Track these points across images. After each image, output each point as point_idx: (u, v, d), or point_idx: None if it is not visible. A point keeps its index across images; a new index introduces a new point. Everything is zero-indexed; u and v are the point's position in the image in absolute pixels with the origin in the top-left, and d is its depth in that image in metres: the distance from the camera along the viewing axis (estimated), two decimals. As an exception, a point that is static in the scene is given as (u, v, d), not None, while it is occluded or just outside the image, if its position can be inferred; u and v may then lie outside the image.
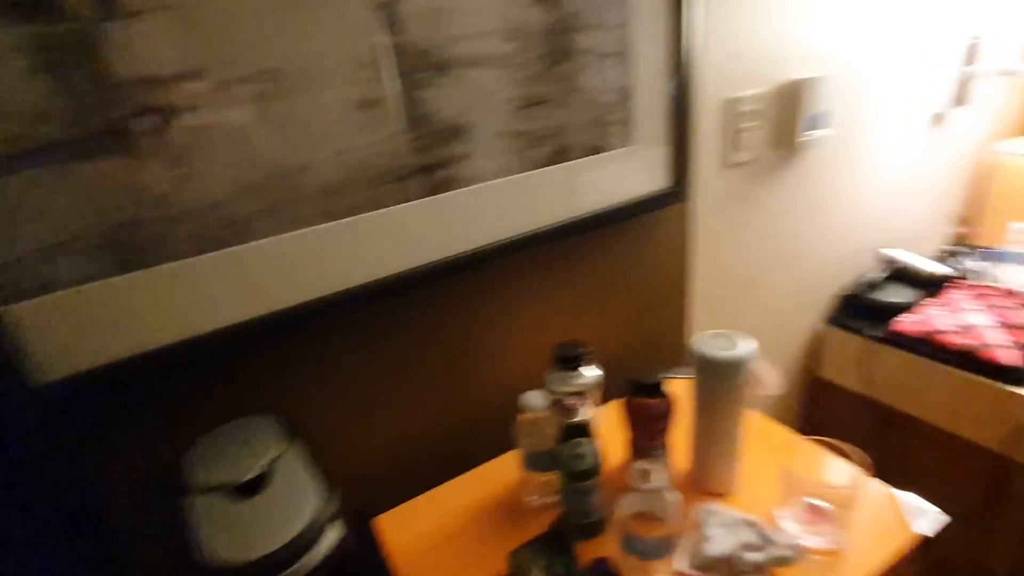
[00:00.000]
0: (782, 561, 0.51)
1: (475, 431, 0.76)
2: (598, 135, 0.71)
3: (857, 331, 1.14)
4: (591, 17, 0.65)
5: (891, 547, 0.55)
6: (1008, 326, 1.00)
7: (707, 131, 0.86)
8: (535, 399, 0.61)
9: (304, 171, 0.54)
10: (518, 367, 0.78)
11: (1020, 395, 0.93)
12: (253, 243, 0.53)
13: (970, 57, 1.16)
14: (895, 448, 1.17)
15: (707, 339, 0.59)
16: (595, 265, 0.82)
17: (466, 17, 0.57)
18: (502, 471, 0.72)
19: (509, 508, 0.67)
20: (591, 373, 0.63)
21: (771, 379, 0.58)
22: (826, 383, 1.25)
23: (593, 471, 0.55)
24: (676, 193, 0.81)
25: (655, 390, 0.56)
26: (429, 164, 0.60)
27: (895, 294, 1.17)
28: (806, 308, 1.20)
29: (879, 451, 1.18)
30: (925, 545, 0.57)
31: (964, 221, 1.44)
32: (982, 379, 0.97)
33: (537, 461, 0.62)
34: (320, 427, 0.64)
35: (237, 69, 0.48)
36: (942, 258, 1.29)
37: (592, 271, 0.82)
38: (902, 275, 1.21)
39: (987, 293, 1.10)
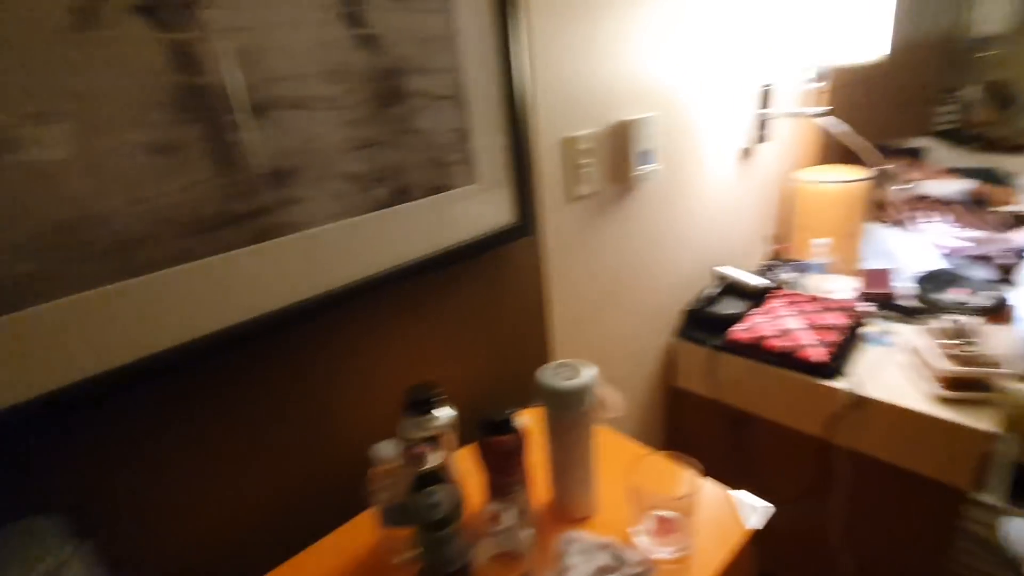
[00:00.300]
0: (635, 579, 0.53)
1: (329, 492, 0.71)
2: (439, 174, 0.72)
3: (701, 342, 1.26)
4: (420, 61, 0.66)
5: (731, 544, 0.60)
6: (815, 327, 1.17)
7: (549, 168, 0.91)
8: (387, 449, 0.58)
9: (94, 224, 0.47)
10: (373, 417, 0.74)
11: (829, 387, 1.08)
12: (24, 311, 0.45)
13: (765, 101, 1.36)
14: (743, 444, 1.29)
15: (551, 370, 0.61)
16: (450, 303, 0.81)
17: (282, 58, 0.55)
18: (361, 531, 0.68)
19: (372, 570, 0.62)
20: (445, 416, 0.62)
21: (614, 402, 0.61)
22: (682, 391, 1.35)
23: (449, 519, 0.53)
24: (522, 227, 0.84)
25: (504, 426, 0.56)
26: (252, 210, 0.56)
27: (728, 306, 1.31)
28: (658, 325, 1.30)
29: (730, 449, 1.31)
30: (760, 534, 0.63)
31: (777, 239, 1.67)
32: (801, 376, 1.12)
33: (394, 516, 0.59)
34: (135, 516, 0.55)
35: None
36: (763, 272, 1.48)
37: (447, 310, 0.81)
38: (733, 289, 1.37)
39: (797, 300, 1.28)
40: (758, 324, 1.21)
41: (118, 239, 0.48)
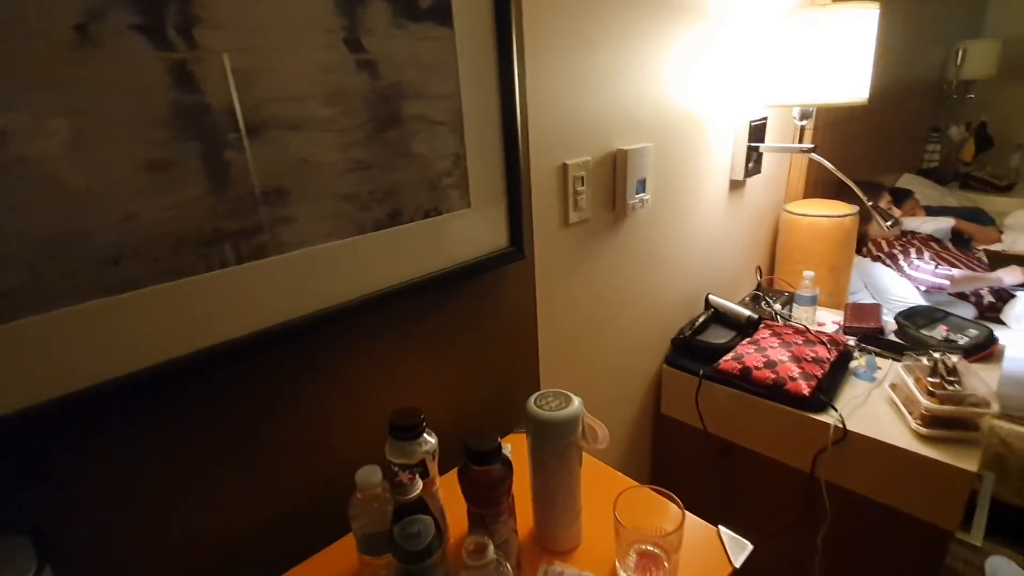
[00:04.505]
0: (616, 617, 0.52)
1: (307, 517, 0.69)
2: (434, 198, 0.72)
3: (689, 370, 1.26)
4: (419, 87, 0.67)
5: (714, 582, 0.59)
6: (799, 359, 1.17)
7: (544, 193, 0.92)
8: (370, 475, 0.57)
9: (84, 237, 0.47)
10: (359, 439, 0.73)
11: (816, 420, 1.08)
12: (6, 325, 0.44)
13: (754, 136, 1.39)
14: (729, 475, 1.29)
15: (539, 399, 0.60)
16: (442, 326, 0.81)
17: (281, 80, 0.55)
18: (341, 557, 0.66)
19: (348, 600, 0.61)
20: (429, 443, 0.61)
21: (602, 433, 0.61)
22: (668, 419, 1.35)
23: (429, 551, 0.52)
24: (515, 252, 0.84)
25: (490, 456, 0.56)
26: (244, 228, 0.56)
27: (717, 336, 1.32)
28: (647, 351, 1.30)
29: (715, 479, 1.31)
30: (743, 570, 0.62)
31: (768, 270, 1.69)
32: (788, 408, 1.12)
33: (373, 544, 0.58)
34: (105, 540, 0.53)
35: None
36: (752, 302, 1.49)
37: (439, 332, 0.81)
38: (722, 318, 1.37)
39: (785, 331, 1.29)
40: (746, 354, 1.22)
41: (108, 254, 0.48)
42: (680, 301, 1.37)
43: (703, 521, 0.68)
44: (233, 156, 0.54)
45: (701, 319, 1.35)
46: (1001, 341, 1.27)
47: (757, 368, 1.17)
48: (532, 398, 0.61)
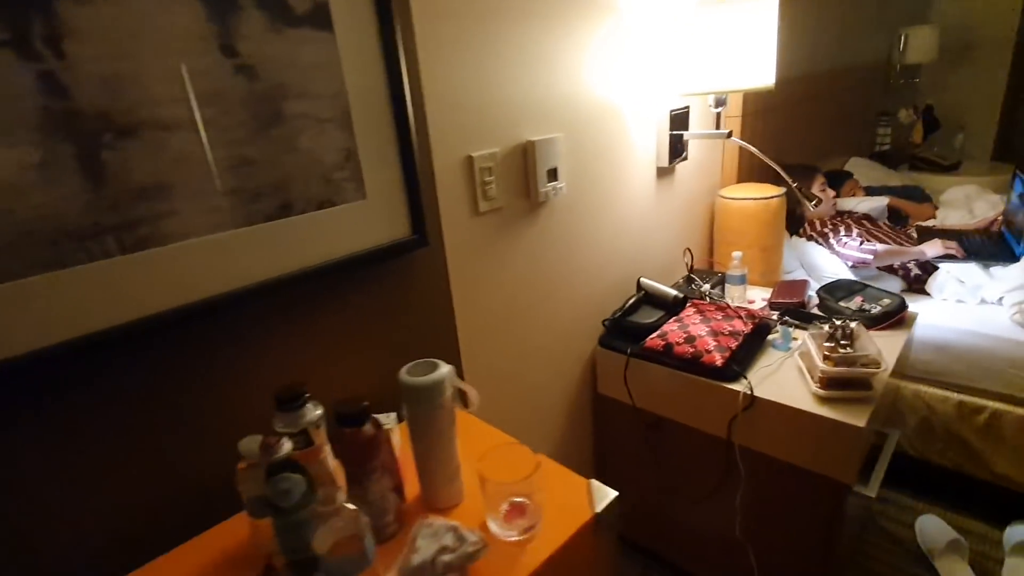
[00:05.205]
0: (471, 556, 0.58)
1: (209, 492, 0.74)
2: (326, 190, 0.78)
3: (619, 350, 1.32)
4: (302, 87, 0.72)
5: (573, 526, 0.65)
6: (716, 333, 1.23)
7: (451, 184, 0.97)
8: (252, 444, 0.63)
9: (-38, 233, 0.52)
10: (254, 421, 0.77)
11: (728, 389, 1.14)
12: None
13: (678, 124, 1.45)
14: (659, 447, 1.35)
15: (412, 368, 0.66)
16: (350, 311, 0.86)
17: (153, 84, 0.60)
18: (238, 528, 0.71)
19: (244, 560, 0.66)
20: (315, 413, 0.66)
21: (473, 396, 0.66)
22: (605, 397, 1.41)
23: (300, 505, 0.57)
24: (419, 240, 0.89)
25: (356, 418, 0.61)
26: (125, 222, 0.61)
27: (646, 316, 1.38)
28: (580, 334, 1.36)
29: (648, 451, 1.37)
30: (601, 520, 0.68)
31: (707, 253, 1.75)
32: (704, 379, 1.18)
33: (257, 506, 0.63)
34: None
35: None
36: (686, 283, 1.55)
37: (348, 317, 0.86)
38: (652, 299, 1.44)
39: (707, 309, 1.35)
40: (669, 332, 1.28)
41: (-14, 247, 0.53)
42: (613, 285, 1.42)
43: (578, 475, 0.73)
44: (109, 156, 0.59)
45: (631, 301, 1.41)
46: (915, 309, 1.34)
47: (678, 344, 1.23)
48: (405, 367, 0.66)
